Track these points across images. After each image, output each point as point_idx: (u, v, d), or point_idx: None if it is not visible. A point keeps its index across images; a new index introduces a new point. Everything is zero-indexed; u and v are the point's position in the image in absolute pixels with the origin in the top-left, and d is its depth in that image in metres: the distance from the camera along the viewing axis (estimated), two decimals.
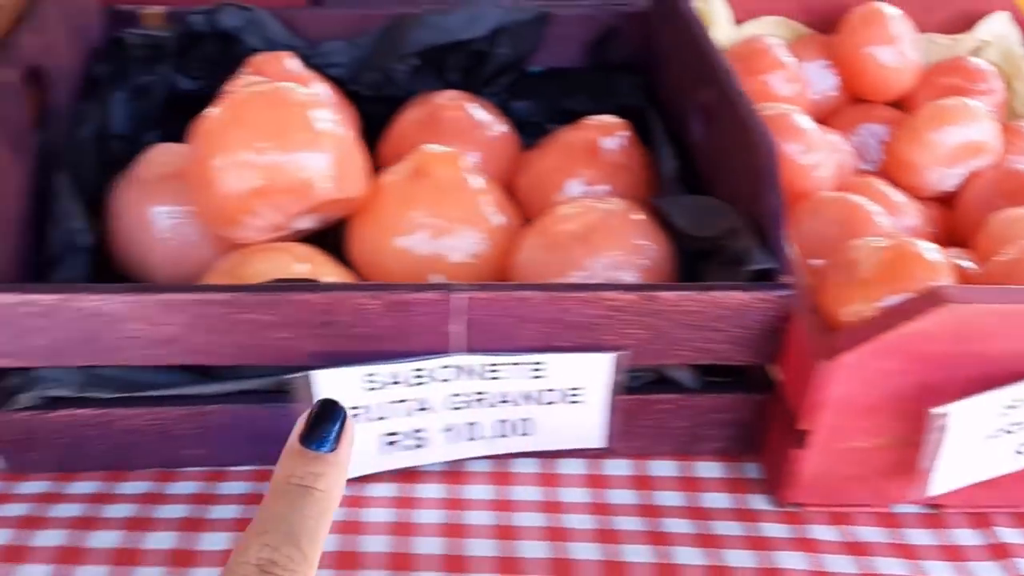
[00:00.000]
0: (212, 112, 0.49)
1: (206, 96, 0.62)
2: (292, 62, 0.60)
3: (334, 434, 0.27)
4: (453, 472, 0.48)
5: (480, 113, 0.61)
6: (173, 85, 0.63)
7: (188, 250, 0.52)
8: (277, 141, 0.47)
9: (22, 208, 0.48)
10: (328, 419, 0.27)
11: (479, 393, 0.45)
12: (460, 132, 0.60)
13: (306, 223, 0.51)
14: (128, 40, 0.60)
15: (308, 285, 0.42)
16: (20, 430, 0.45)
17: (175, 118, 0.62)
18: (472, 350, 0.43)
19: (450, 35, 0.65)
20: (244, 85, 0.50)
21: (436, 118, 0.60)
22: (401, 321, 0.42)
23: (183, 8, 0.64)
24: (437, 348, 0.43)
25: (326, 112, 0.49)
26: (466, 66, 0.67)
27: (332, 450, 0.26)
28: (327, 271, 0.48)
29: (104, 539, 0.42)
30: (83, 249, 0.49)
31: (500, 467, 0.48)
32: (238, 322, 0.42)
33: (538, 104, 0.69)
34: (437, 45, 0.65)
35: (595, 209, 0.50)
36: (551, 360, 0.44)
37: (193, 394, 0.45)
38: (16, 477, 0.46)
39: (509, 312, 0.43)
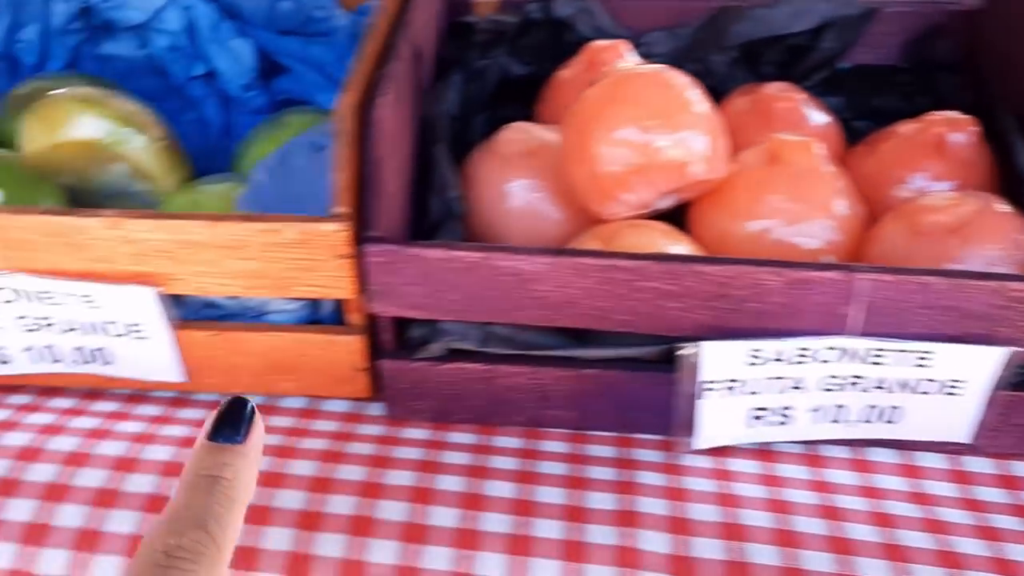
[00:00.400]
0: (593, 90, 0.51)
1: (534, 81, 0.66)
2: (629, 51, 0.61)
3: (242, 428, 0.27)
4: (811, 455, 0.48)
5: (809, 105, 0.61)
6: (505, 70, 0.66)
7: (543, 224, 0.55)
8: (661, 120, 0.48)
9: (412, 176, 0.52)
10: (235, 414, 0.27)
11: (856, 377, 0.45)
12: (791, 123, 0.60)
13: (666, 202, 0.52)
14: (478, 26, 0.63)
15: (710, 258, 0.43)
16: (411, 379, 0.48)
17: (501, 101, 0.66)
18: (865, 333, 0.43)
19: (774, 28, 0.65)
20: (617, 67, 0.52)
21: (767, 108, 0.61)
22: (797, 299, 0.43)
23: None
24: (829, 329, 0.44)
25: (701, 94, 0.50)
26: (782, 60, 0.67)
27: (240, 443, 0.26)
28: (688, 249, 0.50)
29: (501, 489, 0.45)
30: (458, 217, 0.52)
31: (857, 454, 0.48)
32: (639, 289, 0.44)
33: (847, 100, 0.68)
34: (759, 38, 0.66)
35: (967, 201, 0.49)
36: (940, 350, 0.44)
37: (576, 357, 0.47)
38: (395, 423, 0.50)
39: (908, 298, 0.42)
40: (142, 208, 0.59)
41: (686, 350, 0.44)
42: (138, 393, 0.51)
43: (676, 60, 0.67)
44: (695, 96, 0.50)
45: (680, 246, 0.49)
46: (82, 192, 0.58)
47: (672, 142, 0.49)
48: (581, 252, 0.43)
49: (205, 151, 0.65)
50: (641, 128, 0.49)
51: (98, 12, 0.68)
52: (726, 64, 0.67)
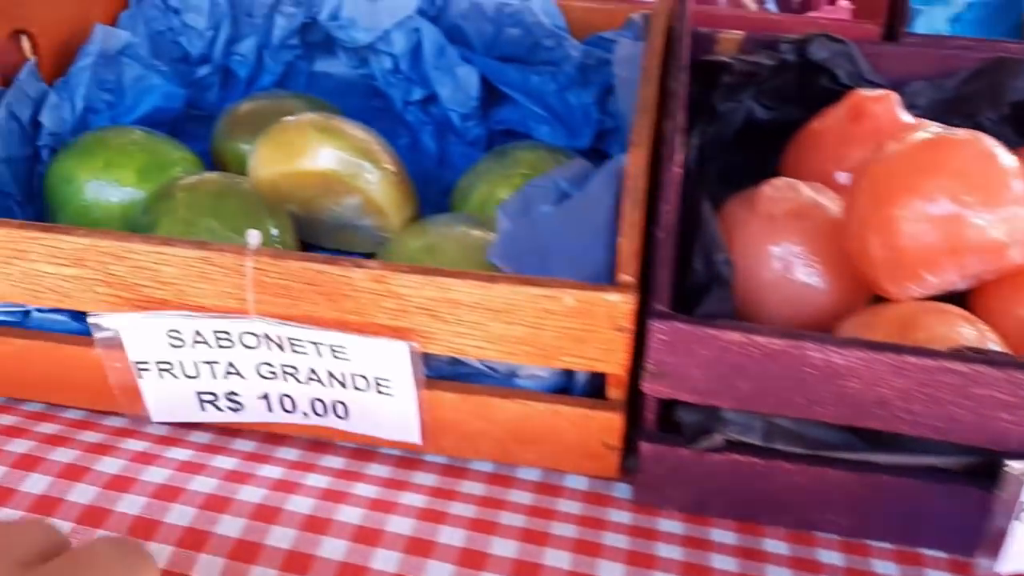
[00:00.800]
0: (896, 154, 0.45)
1: (776, 127, 0.60)
2: (899, 104, 0.55)
3: None
4: None
5: None
6: (750, 113, 0.60)
7: (806, 295, 0.49)
8: (983, 195, 0.42)
9: (679, 234, 0.47)
10: None
11: None
12: None
13: (964, 284, 0.46)
14: (734, 67, 0.58)
15: None
16: (672, 465, 0.43)
17: (737, 147, 0.61)
18: None
19: None
20: (926, 130, 0.46)
21: None
22: None
23: (762, 35, 0.62)
24: None
25: (1021, 166, 0.44)
26: None
27: None
28: (998, 343, 0.43)
29: None
30: (727, 284, 0.47)
31: None
32: (968, 396, 0.38)
33: None
34: None
35: None
36: None
37: (869, 461, 0.41)
38: (644, 510, 0.45)
39: None
40: (370, 243, 0.56)
41: (1014, 467, 0.38)
42: (365, 448, 0.48)
43: (939, 114, 0.60)
44: (1016, 168, 0.44)
45: (992, 341, 0.43)
46: (309, 222, 0.55)
47: (993, 221, 0.42)
48: (905, 349, 0.38)
49: (419, 180, 0.61)
50: (958, 202, 0.43)
51: (321, 30, 0.66)
52: (994, 122, 0.60)
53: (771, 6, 0.80)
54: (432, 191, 0.63)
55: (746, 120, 0.61)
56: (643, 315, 0.40)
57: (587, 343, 0.41)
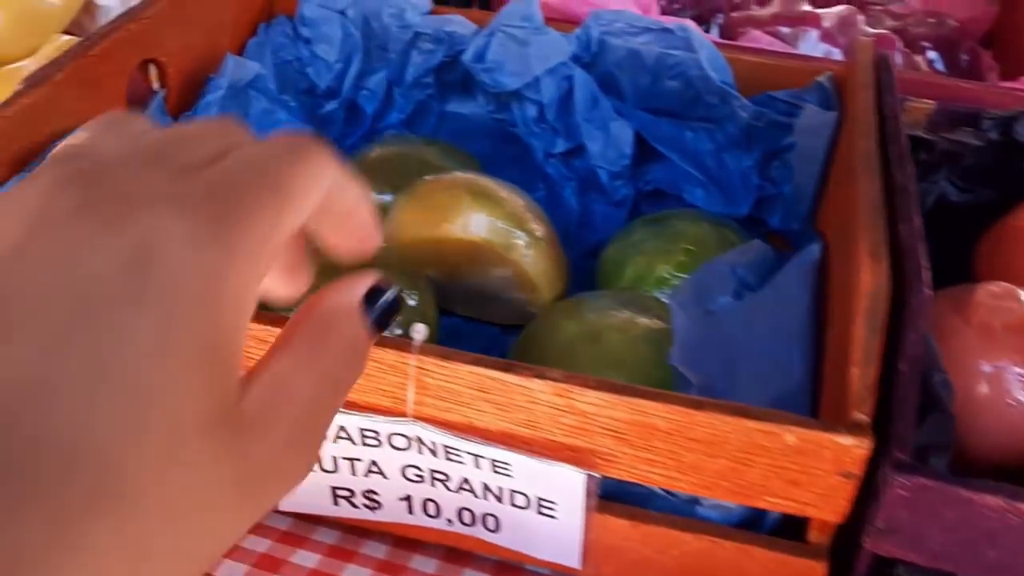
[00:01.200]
0: None
1: (970, 210, 0.54)
2: None
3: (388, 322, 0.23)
4: None
5: None
6: (942, 195, 0.54)
7: None
8: None
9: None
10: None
11: None
12: None
13: None
14: (937, 144, 0.51)
15: None
16: None
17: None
18: None
19: None
20: None
21: None
22: None
23: (952, 105, 0.55)
24: None
25: None
26: None
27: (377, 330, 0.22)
28: None
29: None
30: (946, 408, 0.40)
31: None
32: None
33: None
34: None
35: None
36: None
37: None
38: None
39: None
40: (512, 315, 0.50)
41: None
42: (510, 563, 0.42)
43: None
44: None
45: None
46: (446, 287, 0.50)
47: None
48: None
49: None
50: None
51: (458, 69, 0.60)
52: None
53: (939, 65, 0.74)
54: (571, 253, 0.57)
55: (936, 202, 0.54)
56: (875, 461, 0.34)
57: (802, 487, 0.35)
